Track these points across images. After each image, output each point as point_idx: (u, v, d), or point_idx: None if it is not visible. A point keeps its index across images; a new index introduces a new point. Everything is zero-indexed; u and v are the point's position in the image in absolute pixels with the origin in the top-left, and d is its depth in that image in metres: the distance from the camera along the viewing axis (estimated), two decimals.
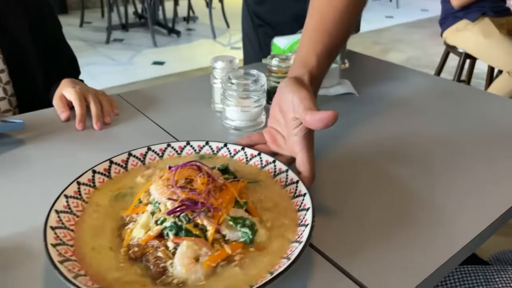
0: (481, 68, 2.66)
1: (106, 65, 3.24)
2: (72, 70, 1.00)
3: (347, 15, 0.57)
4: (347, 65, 0.98)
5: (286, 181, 0.48)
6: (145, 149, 0.53)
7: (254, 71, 0.66)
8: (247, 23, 1.21)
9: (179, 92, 0.84)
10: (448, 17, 2.34)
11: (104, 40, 3.69)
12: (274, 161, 0.50)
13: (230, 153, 0.54)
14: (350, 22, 0.59)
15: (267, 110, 0.70)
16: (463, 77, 2.52)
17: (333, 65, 0.84)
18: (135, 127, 0.68)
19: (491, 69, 2.45)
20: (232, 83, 0.64)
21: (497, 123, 0.74)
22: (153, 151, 0.53)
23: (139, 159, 0.52)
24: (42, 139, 0.65)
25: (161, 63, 3.33)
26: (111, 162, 0.50)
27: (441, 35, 2.43)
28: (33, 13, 0.87)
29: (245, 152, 0.53)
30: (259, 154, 0.52)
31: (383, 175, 0.57)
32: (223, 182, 0.44)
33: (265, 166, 0.51)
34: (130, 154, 0.52)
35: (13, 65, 0.83)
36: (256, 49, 1.17)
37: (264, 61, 0.72)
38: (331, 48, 0.56)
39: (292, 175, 0.48)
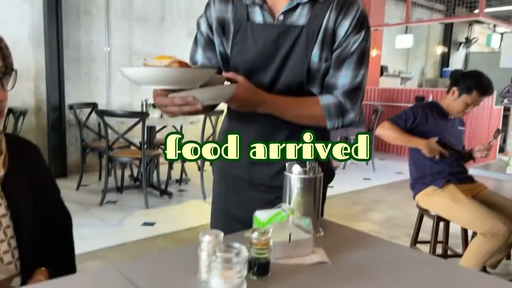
0: (457, 228, 2.79)
1: (97, 226, 3.32)
2: (64, 234, 1.12)
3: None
4: (321, 233, 1.10)
5: None
6: None
7: (237, 244, 0.77)
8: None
9: (169, 262, 0.92)
10: (417, 183, 2.57)
11: (98, 202, 3.85)
12: None
13: None
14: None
15: (248, 280, 0.79)
16: (440, 237, 2.63)
17: (307, 235, 0.96)
18: None
19: (464, 231, 2.59)
20: (216, 256, 0.74)
21: None
22: None
23: None
24: None
25: (151, 224, 3.43)
26: None
27: (414, 198, 2.63)
28: (37, 184, 1.03)
29: None
30: None
31: None
32: None
33: None
34: None
35: (16, 222, 0.94)
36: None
37: (246, 234, 0.84)
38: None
39: None
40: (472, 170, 2.42)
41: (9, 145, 1.00)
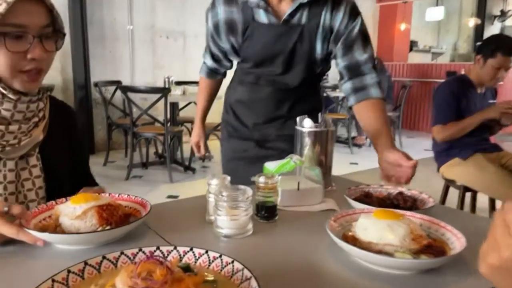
0: (483, 200, 2.71)
1: None
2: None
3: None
4: (334, 187, 1.09)
5: (242, 279, 0.54)
6: (118, 253, 0.61)
7: (242, 186, 0.77)
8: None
9: (181, 208, 0.94)
10: (441, 155, 2.49)
11: (124, 177, 3.96)
12: (232, 262, 0.57)
13: (195, 256, 0.61)
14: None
15: (254, 220, 0.79)
16: (467, 209, 2.56)
17: (317, 185, 0.95)
18: (140, 238, 0.77)
19: (491, 201, 2.50)
20: (223, 195, 0.74)
21: None
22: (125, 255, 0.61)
23: (113, 263, 0.60)
24: None
25: (175, 197, 3.50)
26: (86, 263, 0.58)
27: (438, 171, 2.55)
28: (71, 147, 1.05)
29: (208, 255, 0.60)
30: (220, 256, 0.59)
31: None
32: (181, 275, 0.50)
33: (225, 266, 0.58)
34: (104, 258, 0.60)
35: (49, 184, 0.97)
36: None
37: (253, 178, 0.84)
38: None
39: (246, 273, 0.54)
40: (498, 137, 2.31)
41: (51, 110, 1.03)
